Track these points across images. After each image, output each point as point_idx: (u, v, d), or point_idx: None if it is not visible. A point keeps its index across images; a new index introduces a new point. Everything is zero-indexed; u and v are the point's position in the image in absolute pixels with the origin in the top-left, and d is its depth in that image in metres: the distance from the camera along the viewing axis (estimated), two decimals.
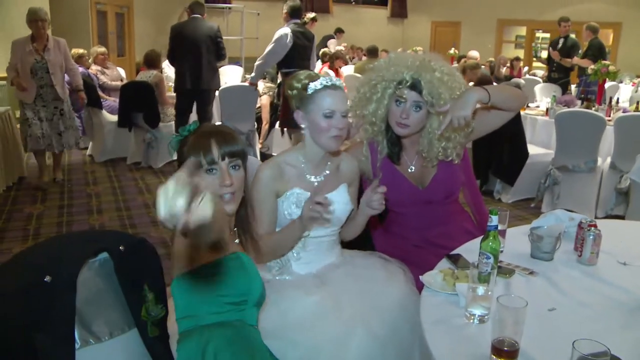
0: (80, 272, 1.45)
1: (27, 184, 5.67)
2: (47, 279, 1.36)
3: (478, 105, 2.18)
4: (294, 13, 5.93)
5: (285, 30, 5.77)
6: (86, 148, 7.07)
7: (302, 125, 2.03)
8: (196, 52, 5.92)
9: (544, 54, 8.61)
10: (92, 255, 1.52)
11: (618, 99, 6.99)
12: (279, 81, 6.75)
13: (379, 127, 2.29)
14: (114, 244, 1.55)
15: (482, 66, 8.74)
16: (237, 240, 1.73)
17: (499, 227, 1.84)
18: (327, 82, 1.97)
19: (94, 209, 4.98)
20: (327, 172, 2.10)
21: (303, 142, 2.08)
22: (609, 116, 5.51)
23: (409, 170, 2.35)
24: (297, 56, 5.82)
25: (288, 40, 5.74)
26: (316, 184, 2.06)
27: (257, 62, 5.99)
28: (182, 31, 6.01)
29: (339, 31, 12.07)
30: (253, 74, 6.24)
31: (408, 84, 2.17)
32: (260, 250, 1.82)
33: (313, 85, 1.97)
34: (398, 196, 2.29)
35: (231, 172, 1.60)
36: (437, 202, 2.34)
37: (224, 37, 6.29)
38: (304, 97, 1.98)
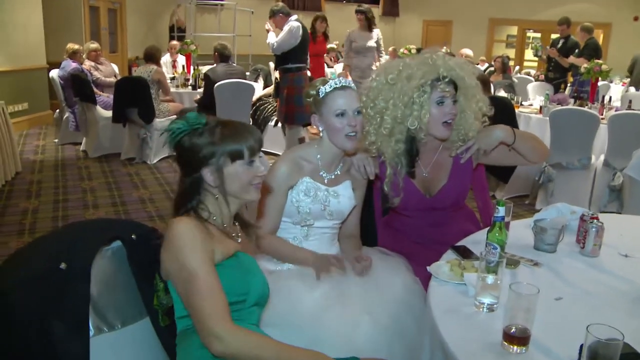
0: (94, 260, 1.46)
1: (22, 178, 5.64)
2: (62, 266, 1.37)
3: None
4: (288, 12, 6.03)
5: (296, 23, 5.85)
6: (80, 143, 7.04)
7: (320, 128, 2.12)
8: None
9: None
10: (105, 243, 1.53)
11: (610, 97, 7.04)
12: (274, 78, 6.76)
13: (403, 141, 2.22)
14: (127, 233, 1.56)
15: (477, 64, 8.76)
16: (239, 239, 1.73)
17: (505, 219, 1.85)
18: (336, 84, 2.06)
19: (90, 204, 4.94)
20: (338, 172, 2.19)
21: (320, 139, 2.15)
22: (602, 114, 5.55)
23: (423, 175, 2.29)
24: (299, 49, 5.91)
25: (301, 32, 5.85)
26: (327, 180, 2.15)
27: (274, 46, 5.90)
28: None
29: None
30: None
31: (447, 79, 2.14)
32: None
33: (324, 89, 2.05)
34: (403, 202, 2.30)
35: None
36: (442, 209, 2.32)
37: (216, 34, 6.43)
38: (318, 101, 2.08)
